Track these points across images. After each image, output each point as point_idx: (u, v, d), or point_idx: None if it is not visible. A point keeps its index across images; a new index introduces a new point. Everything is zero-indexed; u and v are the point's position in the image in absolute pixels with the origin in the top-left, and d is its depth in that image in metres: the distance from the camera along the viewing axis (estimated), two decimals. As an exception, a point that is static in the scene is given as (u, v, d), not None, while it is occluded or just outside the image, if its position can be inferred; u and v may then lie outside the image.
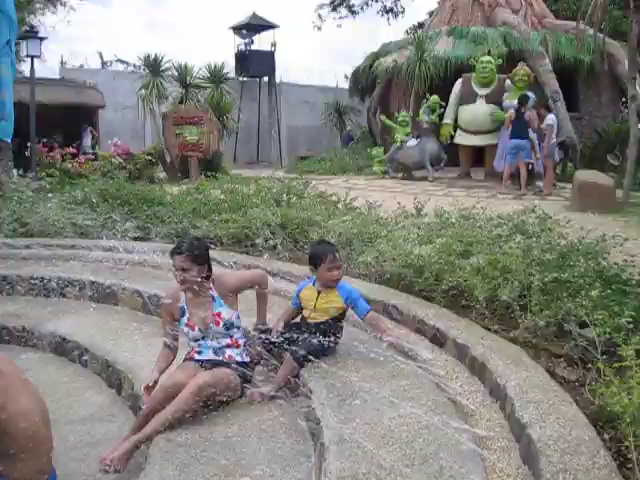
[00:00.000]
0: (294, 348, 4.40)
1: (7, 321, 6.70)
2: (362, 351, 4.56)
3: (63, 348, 6.21)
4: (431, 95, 17.74)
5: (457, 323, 4.85)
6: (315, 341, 4.41)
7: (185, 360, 4.53)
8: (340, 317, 4.69)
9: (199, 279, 4.38)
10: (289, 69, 30.48)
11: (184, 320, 4.50)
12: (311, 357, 4.34)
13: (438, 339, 4.73)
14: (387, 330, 4.61)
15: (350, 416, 3.62)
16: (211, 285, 4.48)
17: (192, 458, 3.63)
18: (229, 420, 4.08)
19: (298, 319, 4.85)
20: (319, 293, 4.64)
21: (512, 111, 14.17)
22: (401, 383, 4.05)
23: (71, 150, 19.25)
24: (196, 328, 4.45)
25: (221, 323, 4.43)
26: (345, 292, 4.61)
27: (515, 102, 14.41)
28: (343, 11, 39.20)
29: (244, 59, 27.48)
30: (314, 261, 4.63)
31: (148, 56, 21.15)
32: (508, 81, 15.95)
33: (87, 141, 21.47)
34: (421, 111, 17.64)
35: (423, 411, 3.59)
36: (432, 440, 3.29)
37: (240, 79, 27.69)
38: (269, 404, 4.29)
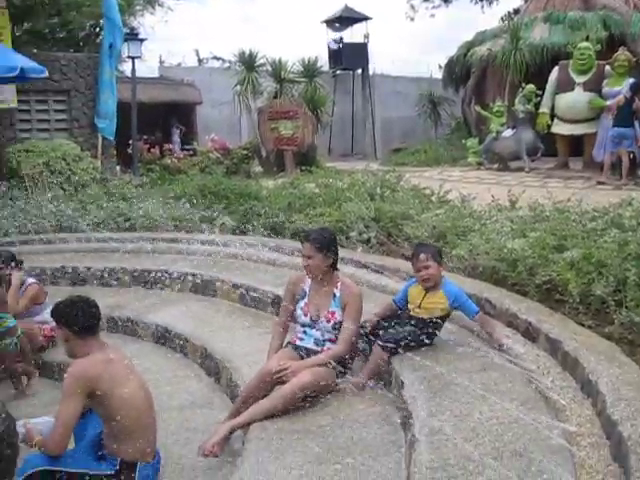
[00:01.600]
0: (385, 337, 4.49)
1: (113, 312, 7.07)
2: (454, 344, 4.62)
3: (165, 338, 6.51)
4: (527, 84, 17.31)
5: (550, 318, 4.82)
6: (409, 334, 4.49)
7: (287, 345, 4.69)
8: (444, 317, 4.73)
9: (322, 268, 4.52)
10: (382, 61, 30.48)
11: (301, 304, 4.67)
12: (401, 349, 4.41)
13: (530, 333, 4.71)
14: (496, 332, 4.64)
15: (441, 408, 3.68)
16: (338, 284, 4.61)
17: (287, 445, 3.78)
18: (323, 410, 4.21)
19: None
20: (426, 292, 4.69)
21: (621, 96, 13.65)
22: (492, 377, 4.08)
23: (170, 147, 19.90)
24: (308, 315, 4.62)
25: (332, 322, 4.56)
26: (451, 295, 4.64)
27: (619, 89, 13.90)
28: (436, 0, 38.68)
29: (337, 52, 27.58)
30: (411, 260, 4.79)
31: (243, 52, 21.53)
32: (608, 67, 15.41)
33: (176, 138, 22.03)
34: (517, 100, 17.26)
35: (513, 405, 3.61)
36: (521, 434, 3.32)
37: (333, 72, 27.79)
38: (362, 395, 4.40)
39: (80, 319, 3.71)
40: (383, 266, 6.80)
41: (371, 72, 28.60)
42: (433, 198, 8.79)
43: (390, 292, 5.90)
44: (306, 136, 19.55)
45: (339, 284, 4.60)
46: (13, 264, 6.56)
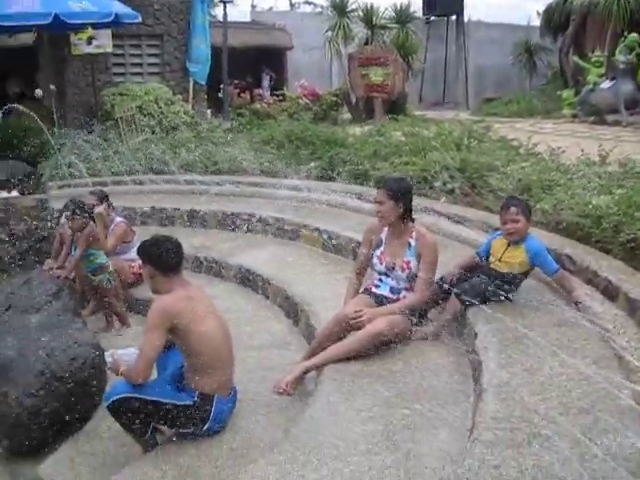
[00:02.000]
0: (463, 288, 4.51)
1: (199, 252, 7.32)
2: (532, 299, 4.60)
3: (248, 280, 6.71)
4: (630, 33, 16.57)
5: (631, 277, 4.71)
6: (487, 286, 4.50)
7: (363, 291, 4.77)
8: (524, 273, 4.70)
9: (394, 215, 4.55)
10: (478, 7, 29.56)
11: (377, 252, 4.73)
12: (477, 301, 4.43)
13: (609, 292, 4.63)
14: (575, 290, 4.59)
15: (511, 361, 3.71)
16: (412, 233, 4.63)
17: (358, 388, 3.90)
18: (395, 356, 4.29)
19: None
20: (508, 245, 4.66)
21: None
22: (566, 333, 4.06)
23: (260, 92, 20.03)
24: (384, 264, 4.67)
25: (406, 271, 4.59)
26: (532, 251, 4.58)
27: None
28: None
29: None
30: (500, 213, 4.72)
31: (335, -3, 21.38)
32: None
33: (265, 83, 22.10)
34: (617, 50, 16.57)
35: (585, 363, 3.60)
36: (590, 392, 3.32)
37: (427, 18, 27.18)
38: (435, 344, 4.46)
39: (164, 257, 3.87)
40: (465, 217, 6.77)
41: (466, 19, 27.82)
42: (521, 150, 8.61)
43: (470, 244, 5.89)
44: (396, 83, 19.30)
45: (414, 234, 4.61)
46: (106, 203, 6.86)
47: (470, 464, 2.75)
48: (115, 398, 3.72)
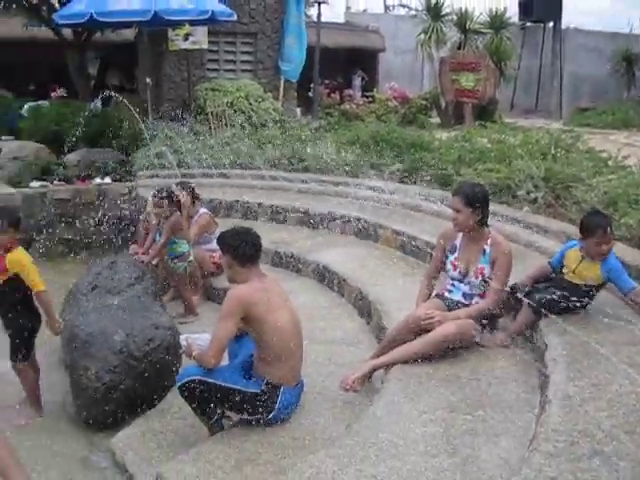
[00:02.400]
0: (536, 298, 4.47)
1: (279, 247, 7.47)
2: (606, 314, 4.51)
3: (324, 277, 6.81)
4: None
5: None
6: (560, 298, 4.43)
7: (436, 295, 4.80)
8: (599, 286, 4.60)
9: (470, 222, 4.54)
10: (577, 14, 28.87)
11: (451, 257, 4.74)
12: (550, 312, 4.38)
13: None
14: None
15: (579, 375, 3.66)
16: (488, 240, 4.61)
17: (423, 390, 3.93)
18: (463, 362, 4.30)
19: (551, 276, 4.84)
20: (582, 259, 4.58)
21: None
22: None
23: (350, 92, 20.12)
24: (457, 270, 4.67)
25: (480, 278, 4.58)
26: (608, 267, 4.47)
27: None
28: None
29: (528, 3, 26.37)
30: (584, 231, 4.51)
31: (429, 1, 21.21)
32: None
33: (356, 83, 22.13)
34: None
35: (657, 382, 3.52)
36: (660, 412, 3.25)
37: (522, 24, 26.67)
38: (504, 352, 4.44)
39: (243, 248, 4.00)
40: (547, 228, 6.66)
41: (563, 25, 27.16)
42: (609, 162, 8.40)
43: (550, 255, 5.80)
44: (487, 89, 19.03)
45: (489, 240, 4.59)
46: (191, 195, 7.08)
47: (527, 474, 2.75)
48: (186, 380, 3.87)
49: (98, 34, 14.42)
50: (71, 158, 10.35)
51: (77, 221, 9.41)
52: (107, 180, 9.87)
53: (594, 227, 4.45)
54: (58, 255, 9.12)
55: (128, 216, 9.13)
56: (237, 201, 9.02)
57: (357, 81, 22.19)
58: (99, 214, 9.39)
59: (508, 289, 4.68)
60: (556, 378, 3.66)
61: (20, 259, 4.73)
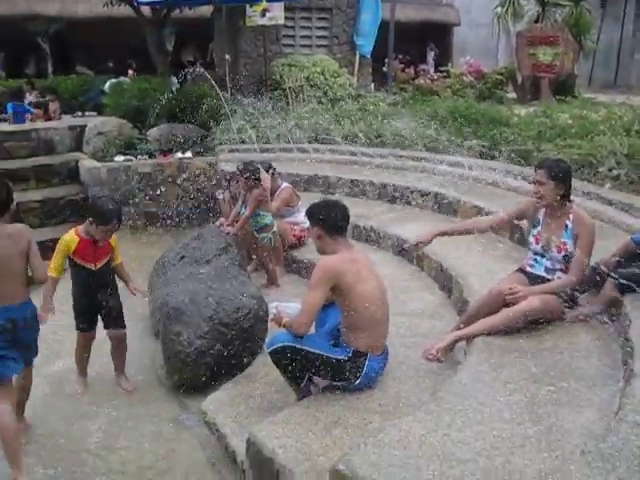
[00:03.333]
0: (621, 274, 4.47)
1: (358, 221, 7.58)
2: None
3: (404, 250, 6.88)
4: None
5: None
6: None
7: (517, 270, 4.85)
8: None
9: (553, 196, 4.56)
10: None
11: (534, 231, 4.78)
12: (635, 287, 4.38)
13: None
14: None
15: (665, 349, 3.68)
16: (570, 215, 4.61)
17: (506, 361, 4.00)
18: (545, 335, 4.35)
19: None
20: None
21: None
22: None
23: (424, 67, 19.99)
24: (540, 244, 4.71)
25: (562, 252, 4.61)
26: None
27: None
28: None
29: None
30: None
31: (506, -27, 20.81)
32: None
33: (430, 59, 21.94)
34: None
35: None
36: None
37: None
38: (587, 327, 4.46)
39: (333, 219, 4.14)
40: (631, 205, 6.59)
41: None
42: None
43: (634, 232, 5.76)
44: (565, 64, 18.60)
45: (572, 215, 4.59)
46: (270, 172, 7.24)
47: (614, 442, 2.82)
48: (278, 346, 4.03)
49: (176, 11, 14.70)
50: (153, 133, 10.64)
51: (159, 194, 9.70)
52: (188, 155, 10.13)
53: None
54: (140, 227, 9.44)
55: (209, 190, 9.40)
56: (316, 175, 9.16)
57: (430, 56, 22.02)
58: (181, 188, 9.68)
59: (592, 266, 4.69)
60: (641, 352, 3.69)
61: (114, 237, 4.98)
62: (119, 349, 5.22)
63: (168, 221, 9.42)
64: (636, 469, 2.67)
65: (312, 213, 4.22)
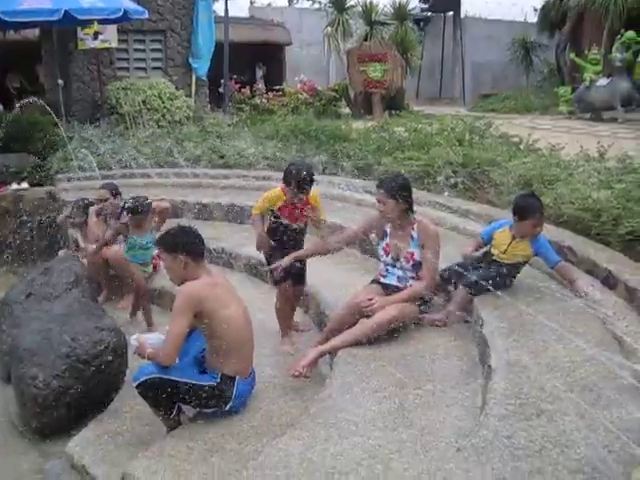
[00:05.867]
0: (469, 280, 4.74)
1: (208, 243, 7.42)
2: (534, 287, 4.84)
3: (256, 269, 6.90)
4: (626, 31, 16.78)
5: (630, 268, 4.96)
6: (492, 277, 4.72)
7: (372, 282, 4.98)
8: (525, 262, 4.95)
9: (396, 213, 4.72)
10: (475, 3, 29.94)
11: (382, 244, 4.93)
12: (483, 291, 4.66)
13: (609, 282, 4.87)
14: (577, 280, 4.80)
15: (517, 345, 3.95)
16: (414, 225, 4.80)
17: (371, 370, 4.12)
18: (405, 341, 4.53)
19: (480, 252, 5.13)
20: (513, 239, 4.88)
21: None
22: (569, 319, 4.30)
23: (260, 86, 20.18)
24: (389, 255, 4.87)
25: (411, 262, 4.79)
26: (538, 245, 4.83)
27: None
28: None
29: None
30: (522, 213, 4.79)
31: (333, -7, 21.56)
32: None
33: (258, 77, 22.22)
34: (614, 48, 16.78)
35: (587, 346, 3.82)
36: (593, 372, 3.56)
37: (424, 15, 27.39)
38: (442, 329, 4.69)
39: (196, 244, 4.09)
40: (469, 210, 7.00)
41: (463, 15, 28.02)
42: (521, 146, 8.84)
43: (474, 236, 6.10)
44: (395, 79, 19.49)
45: (416, 226, 4.79)
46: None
47: (485, 435, 2.99)
48: (144, 379, 3.91)
49: (-1, 34, 14.03)
50: (-16, 165, 10.07)
51: (-5, 229, 9.17)
52: (24, 185, 9.65)
53: (532, 210, 4.76)
54: (-24, 265, 8.87)
55: (49, 221, 8.98)
56: (162, 200, 8.95)
57: (259, 74, 22.26)
58: (18, 221, 9.19)
59: (440, 272, 4.94)
60: (496, 349, 3.92)
61: None
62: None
63: (6, 257, 8.91)
64: (508, 458, 2.84)
65: (173, 242, 4.10)
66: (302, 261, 5.21)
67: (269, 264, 5.29)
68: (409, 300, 4.69)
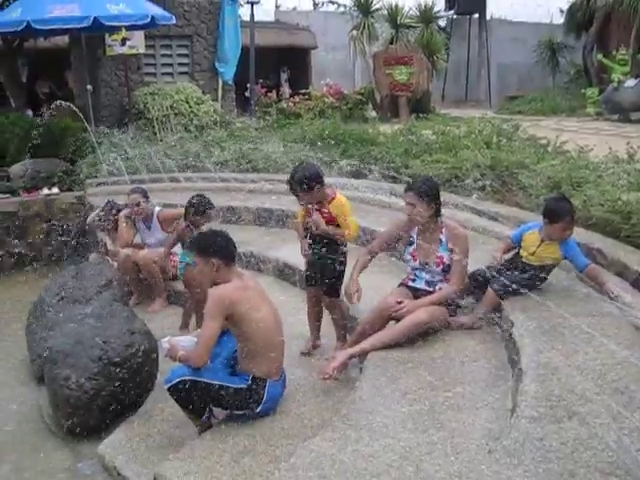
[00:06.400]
0: (499, 282, 4.73)
1: (238, 247, 7.53)
2: (564, 289, 4.82)
3: (285, 273, 6.95)
4: (655, 31, 16.65)
5: (661, 270, 4.93)
6: (521, 279, 4.72)
7: (400, 285, 4.99)
8: (554, 265, 4.92)
9: (425, 216, 4.71)
10: (501, 5, 29.77)
11: (409, 249, 4.93)
12: (513, 293, 4.65)
13: (639, 283, 4.84)
14: (607, 283, 4.77)
15: (547, 347, 3.94)
16: (443, 229, 4.80)
17: (401, 372, 4.14)
18: (434, 344, 4.54)
19: (509, 255, 5.12)
20: (542, 242, 4.85)
21: None
22: (599, 322, 4.28)
23: (284, 90, 20.25)
24: (417, 260, 4.86)
25: (441, 266, 4.79)
26: (567, 248, 4.79)
27: None
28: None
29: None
30: (552, 216, 4.75)
31: (359, -4, 21.56)
32: None
33: (282, 80, 22.28)
34: (643, 48, 16.65)
35: (619, 348, 3.81)
36: (624, 374, 3.55)
37: (450, 16, 27.31)
38: (472, 332, 4.69)
39: (227, 248, 4.14)
40: (497, 213, 6.98)
41: (488, 17, 27.89)
42: (549, 148, 8.80)
43: (502, 239, 6.09)
44: (421, 82, 19.45)
45: (444, 229, 4.79)
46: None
47: (516, 437, 2.99)
48: (176, 381, 3.97)
49: (30, 41, 14.20)
50: (16, 170, 10.23)
51: (26, 233, 9.33)
52: (54, 190, 9.80)
53: (563, 214, 4.73)
54: (8, 269, 9.03)
55: (78, 225, 9.13)
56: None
57: (283, 78, 22.33)
58: (49, 225, 9.35)
59: (470, 275, 4.93)
60: (527, 351, 3.92)
61: None
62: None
63: (38, 260, 9.07)
64: (540, 460, 2.84)
65: (205, 245, 4.14)
66: (336, 274, 5.08)
67: (307, 270, 5.22)
68: (438, 303, 4.69)
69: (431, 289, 4.83)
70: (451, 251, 4.74)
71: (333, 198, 5.05)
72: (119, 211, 7.12)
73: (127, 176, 9.88)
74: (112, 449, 4.33)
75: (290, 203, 8.45)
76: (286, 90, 20.77)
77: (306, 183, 4.78)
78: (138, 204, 6.82)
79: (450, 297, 4.73)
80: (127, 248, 6.87)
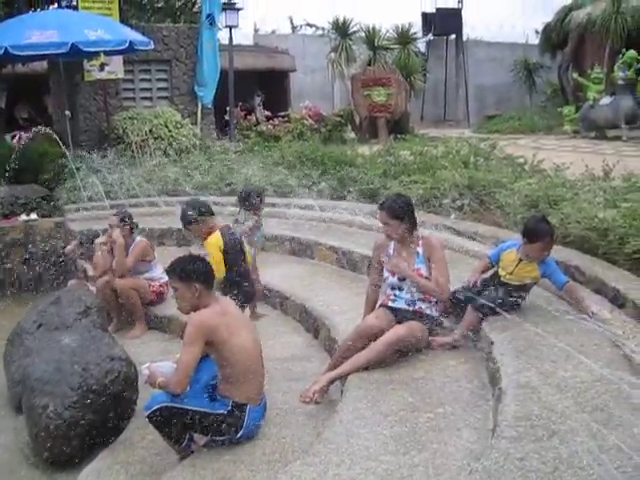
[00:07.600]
0: (478, 302, 4.74)
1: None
2: (542, 308, 4.84)
3: (266, 296, 6.91)
4: (627, 50, 16.90)
5: (638, 286, 4.95)
6: (500, 299, 4.72)
7: (380, 306, 4.98)
8: (533, 284, 4.94)
9: (399, 232, 4.74)
10: (477, 26, 30.13)
11: (387, 265, 4.91)
12: (491, 313, 4.66)
13: (617, 301, 4.87)
14: (585, 300, 4.78)
15: (527, 366, 3.94)
16: (419, 242, 4.82)
17: (382, 395, 4.12)
18: (415, 365, 4.52)
19: (488, 274, 5.14)
20: (520, 261, 4.86)
21: None
22: (578, 339, 4.29)
23: (267, 113, 20.31)
24: (396, 275, 4.86)
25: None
26: (545, 267, 4.81)
27: None
28: (535, -38, 37.49)
29: (430, 18, 27.31)
30: (531, 236, 4.76)
31: (337, 20, 21.77)
32: None
33: (255, 104, 22.38)
34: (616, 67, 16.90)
35: (597, 365, 3.82)
36: (604, 392, 3.55)
37: (426, 38, 27.62)
38: (452, 352, 4.68)
39: (207, 272, 4.12)
40: (476, 232, 7.01)
41: (465, 38, 28.24)
42: (526, 167, 8.88)
43: (481, 258, 6.12)
44: (399, 103, 19.62)
45: (420, 242, 4.82)
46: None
47: (496, 457, 2.98)
48: (156, 407, 3.93)
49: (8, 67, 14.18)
50: (-8, 196, 10.17)
51: (5, 259, 9.26)
52: (33, 216, 9.75)
53: (542, 234, 4.74)
54: (-13, 296, 8.94)
55: (59, 251, 9.05)
56: (170, 228, 9.04)
57: (256, 101, 22.40)
58: (28, 252, 9.29)
59: (449, 296, 4.94)
60: (506, 371, 3.92)
61: None
62: None
63: (17, 287, 9.00)
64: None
65: (188, 271, 4.08)
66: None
67: None
68: (424, 287, 4.71)
69: (411, 309, 4.82)
70: (429, 260, 4.76)
71: None
72: (97, 237, 7.09)
73: (107, 201, 9.84)
74: (92, 478, 4.27)
75: (271, 227, 8.47)
76: (258, 114, 20.81)
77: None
78: (113, 226, 6.83)
79: (435, 291, 4.72)
80: (106, 274, 6.83)
